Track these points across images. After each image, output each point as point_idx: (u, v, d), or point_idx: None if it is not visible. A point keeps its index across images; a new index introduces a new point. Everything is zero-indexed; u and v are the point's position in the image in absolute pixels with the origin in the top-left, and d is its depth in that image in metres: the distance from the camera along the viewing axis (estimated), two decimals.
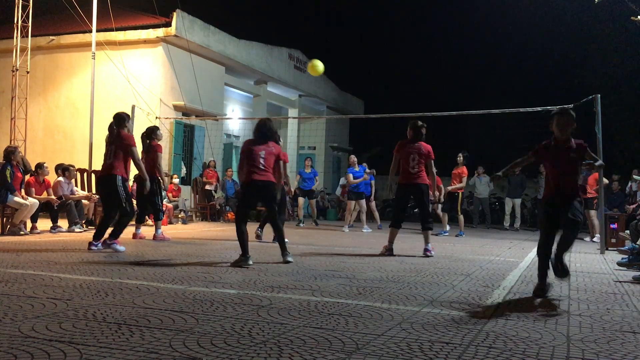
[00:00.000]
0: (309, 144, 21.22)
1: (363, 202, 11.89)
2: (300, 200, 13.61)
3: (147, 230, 8.71)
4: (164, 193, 12.91)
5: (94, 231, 6.86)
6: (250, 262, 5.52)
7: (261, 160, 5.80)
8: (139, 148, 7.17)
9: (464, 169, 11.45)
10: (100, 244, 6.56)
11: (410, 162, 7.01)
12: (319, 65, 8.64)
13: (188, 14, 13.97)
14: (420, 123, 7.16)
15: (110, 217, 6.74)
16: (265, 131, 6.00)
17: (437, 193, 7.89)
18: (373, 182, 13.26)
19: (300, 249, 7.57)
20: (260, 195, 5.95)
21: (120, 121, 6.85)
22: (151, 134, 8.33)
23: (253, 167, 5.79)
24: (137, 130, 12.22)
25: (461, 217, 11.55)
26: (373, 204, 13.67)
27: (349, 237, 10.12)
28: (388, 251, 7.06)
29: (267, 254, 6.66)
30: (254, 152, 5.83)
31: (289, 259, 5.85)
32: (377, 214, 13.91)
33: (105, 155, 6.82)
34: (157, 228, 8.22)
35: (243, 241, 5.64)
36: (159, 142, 8.37)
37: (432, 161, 7.14)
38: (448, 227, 11.80)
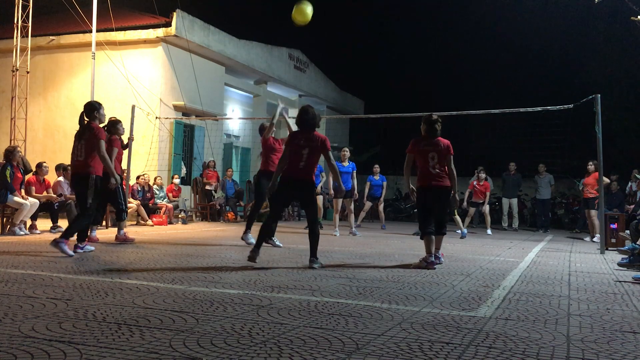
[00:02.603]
0: None
1: (349, 201, 10.80)
2: None
3: (134, 232, 8.70)
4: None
5: (96, 230, 6.81)
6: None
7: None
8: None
9: (487, 184, 12.50)
10: (87, 245, 6.33)
11: (430, 161, 6.05)
12: (306, 10, 7.00)
13: (188, 14, 13.97)
14: (435, 117, 6.22)
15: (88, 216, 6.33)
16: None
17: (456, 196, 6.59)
18: (385, 183, 13.47)
19: (300, 249, 7.56)
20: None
21: (90, 111, 6.37)
22: (111, 127, 7.86)
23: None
24: (137, 131, 12.27)
25: (458, 218, 11.48)
26: (381, 205, 13.81)
27: (348, 238, 10.11)
28: (428, 263, 5.91)
29: (267, 255, 6.65)
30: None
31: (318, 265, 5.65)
32: (382, 215, 14.03)
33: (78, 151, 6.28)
34: (119, 229, 7.67)
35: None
36: (119, 137, 7.94)
37: (452, 157, 6.16)
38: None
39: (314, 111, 5.78)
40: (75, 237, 6.24)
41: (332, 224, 10.47)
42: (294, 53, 19.34)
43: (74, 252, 6.10)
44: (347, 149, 11.06)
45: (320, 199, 12.25)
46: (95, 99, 12.74)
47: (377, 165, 13.68)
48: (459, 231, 11.35)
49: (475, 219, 15.46)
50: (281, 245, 7.76)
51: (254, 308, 3.47)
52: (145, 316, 3.13)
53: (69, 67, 14.68)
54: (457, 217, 11.43)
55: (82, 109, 6.54)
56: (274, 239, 7.80)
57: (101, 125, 6.56)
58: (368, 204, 13.45)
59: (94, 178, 6.17)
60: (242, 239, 7.80)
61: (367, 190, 13.41)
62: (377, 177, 13.40)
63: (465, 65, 30.89)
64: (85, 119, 6.40)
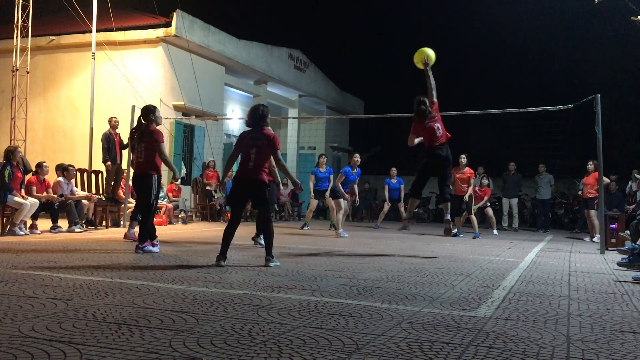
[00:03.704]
0: (309, 144, 21.23)
1: (341, 202, 10.67)
2: (314, 202, 12.30)
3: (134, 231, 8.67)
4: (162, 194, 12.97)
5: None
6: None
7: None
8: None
9: (471, 171, 11.34)
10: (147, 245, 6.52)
11: (437, 131, 7.02)
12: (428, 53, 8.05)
13: (188, 14, 13.97)
14: (418, 99, 7.10)
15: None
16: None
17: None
18: (402, 186, 13.88)
19: (300, 249, 7.56)
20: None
21: (147, 114, 6.80)
22: (151, 114, 8.12)
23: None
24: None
25: (474, 218, 11.47)
26: (403, 208, 14.23)
27: (348, 238, 10.11)
28: (409, 221, 7.39)
29: None
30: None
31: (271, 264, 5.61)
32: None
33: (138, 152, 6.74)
34: (131, 227, 7.96)
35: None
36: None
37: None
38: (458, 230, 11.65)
39: (263, 109, 5.84)
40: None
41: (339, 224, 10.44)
42: (294, 53, 19.34)
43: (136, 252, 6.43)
44: (358, 156, 11.01)
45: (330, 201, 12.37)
46: (95, 99, 12.85)
47: (394, 168, 13.98)
48: (457, 231, 11.37)
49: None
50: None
51: (254, 308, 3.47)
52: (145, 316, 3.13)
53: (69, 67, 14.68)
54: (473, 217, 11.44)
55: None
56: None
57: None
58: (387, 206, 13.88)
59: (156, 178, 6.65)
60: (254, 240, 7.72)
61: (387, 194, 13.69)
62: (394, 181, 13.83)
63: (466, 65, 30.89)
64: (143, 121, 6.77)
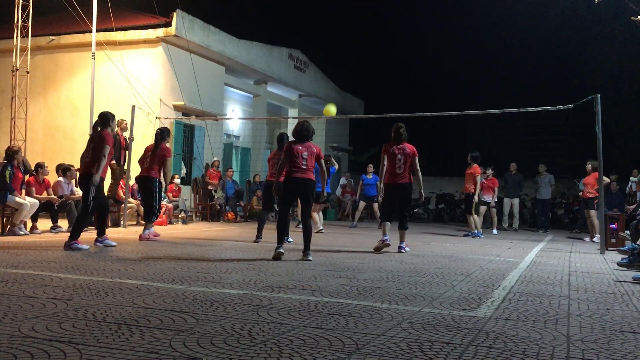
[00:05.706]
0: None
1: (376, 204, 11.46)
2: None
3: (134, 231, 8.68)
4: (163, 195, 12.98)
5: (95, 230, 6.92)
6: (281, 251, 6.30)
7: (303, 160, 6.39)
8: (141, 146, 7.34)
9: (477, 168, 11.29)
10: (106, 240, 7.00)
11: (397, 163, 7.52)
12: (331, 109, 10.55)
13: (188, 14, 13.97)
14: (400, 125, 7.68)
15: (101, 213, 7.19)
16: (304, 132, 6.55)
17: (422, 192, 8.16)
18: (379, 183, 13.71)
19: (300, 249, 7.55)
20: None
21: (105, 121, 7.08)
22: (167, 136, 8.48)
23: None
24: (137, 131, 12.28)
25: (476, 217, 11.47)
26: (376, 205, 13.96)
27: (348, 237, 10.11)
28: (384, 243, 7.57)
29: (268, 255, 6.65)
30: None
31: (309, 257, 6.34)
32: (378, 214, 14.06)
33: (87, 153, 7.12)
34: (145, 228, 8.33)
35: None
36: (167, 145, 8.49)
37: (417, 159, 7.64)
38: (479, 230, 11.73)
39: (310, 126, 6.65)
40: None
41: (332, 223, 10.58)
42: (294, 53, 19.34)
43: (95, 245, 6.89)
44: (371, 165, 12.65)
45: None
46: (95, 99, 12.84)
47: (371, 165, 14.04)
48: (476, 232, 11.37)
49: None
50: (292, 240, 8.35)
51: (254, 308, 3.47)
52: (145, 316, 3.13)
53: (69, 67, 14.68)
54: (475, 217, 11.43)
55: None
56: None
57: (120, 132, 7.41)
58: (362, 204, 13.78)
59: (97, 178, 6.75)
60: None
61: (359, 190, 13.61)
62: (369, 176, 13.73)
63: (466, 65, 30.90)
64: (99, 127, 7.06)
